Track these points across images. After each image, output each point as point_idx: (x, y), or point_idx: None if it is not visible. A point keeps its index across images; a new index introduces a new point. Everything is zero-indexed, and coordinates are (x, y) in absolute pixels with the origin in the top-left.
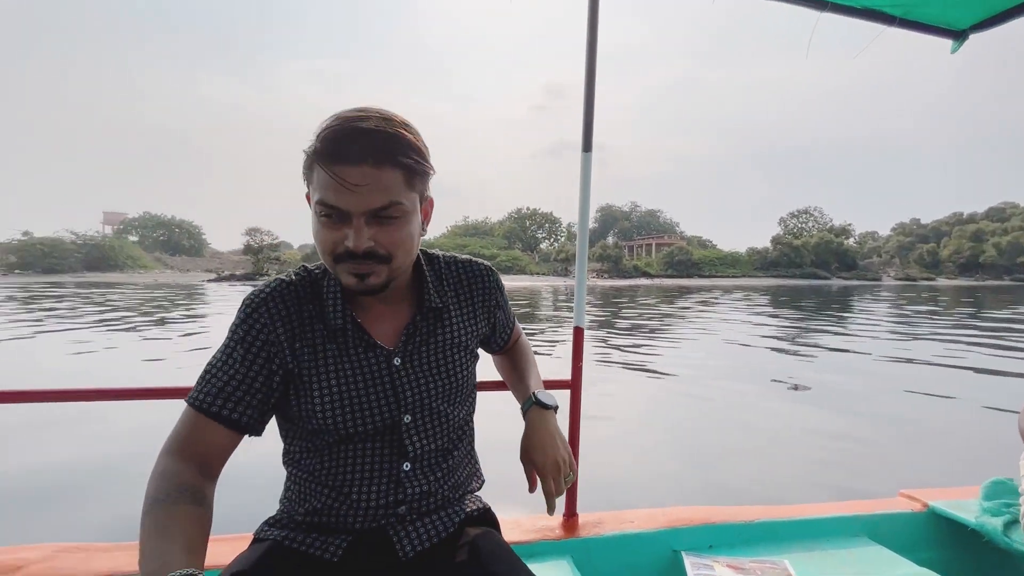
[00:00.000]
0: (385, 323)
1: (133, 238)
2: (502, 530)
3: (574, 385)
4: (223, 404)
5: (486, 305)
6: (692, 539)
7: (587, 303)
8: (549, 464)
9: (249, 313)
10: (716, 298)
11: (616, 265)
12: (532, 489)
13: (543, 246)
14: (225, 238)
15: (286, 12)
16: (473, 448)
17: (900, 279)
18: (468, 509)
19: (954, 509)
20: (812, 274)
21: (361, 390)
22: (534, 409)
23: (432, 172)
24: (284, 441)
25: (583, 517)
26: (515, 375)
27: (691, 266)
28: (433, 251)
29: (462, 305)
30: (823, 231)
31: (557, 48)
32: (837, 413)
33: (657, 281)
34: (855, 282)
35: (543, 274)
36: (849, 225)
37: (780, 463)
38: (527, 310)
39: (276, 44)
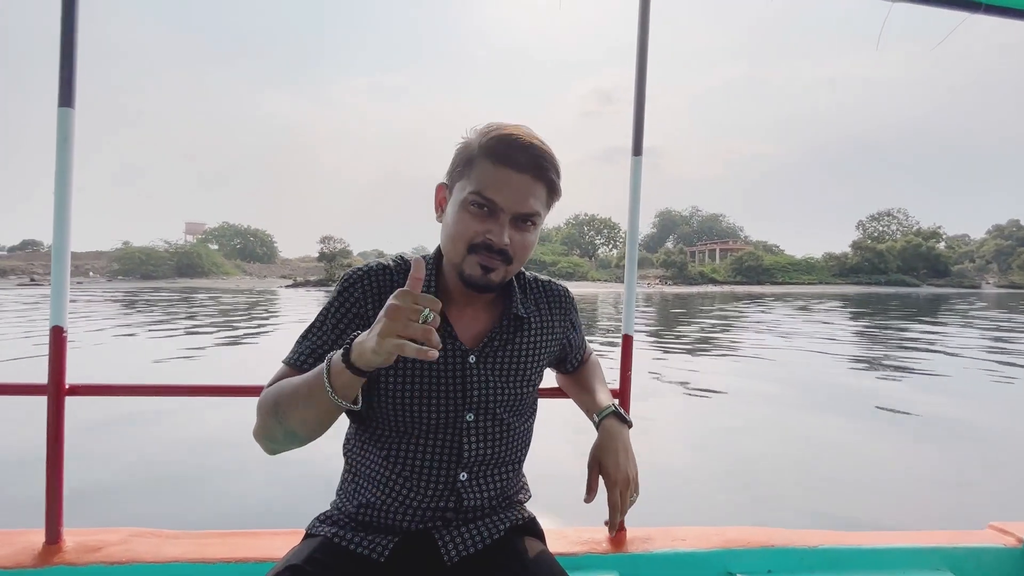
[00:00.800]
0: (467, 321)
1: (213, 246)
2: (546, 541)
3: (622, 394)
4: (315, 363)
5: (563, 324)
6: (749, 562)
7: (652, 310)
8: (620, 477)
9: (345, 287)
10: (804, 306)
11: (681, 271)
12: (590, 498)
13: (600, 252)
14: (291, 246)
15: (345, 31)
16: (523, 462)
17: (1004, 286)
18: (514, 518)
19: None
20: (899, 281)
21: (432, 381)
22: (612, 420)
23: (560, 194)
24: (348, 427)
25: (631, 532)
26: (586, 387)
27: (762, 272)
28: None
29: (542, 320)
30: (908, 235)
31: (608, 52)
32: (925, 436)
33: (726, 288)
34: (948, 290)
35: (603, 280)
36: (939, 228)
37: (855, 487)
38: (587, 316)
39: (334, 61)
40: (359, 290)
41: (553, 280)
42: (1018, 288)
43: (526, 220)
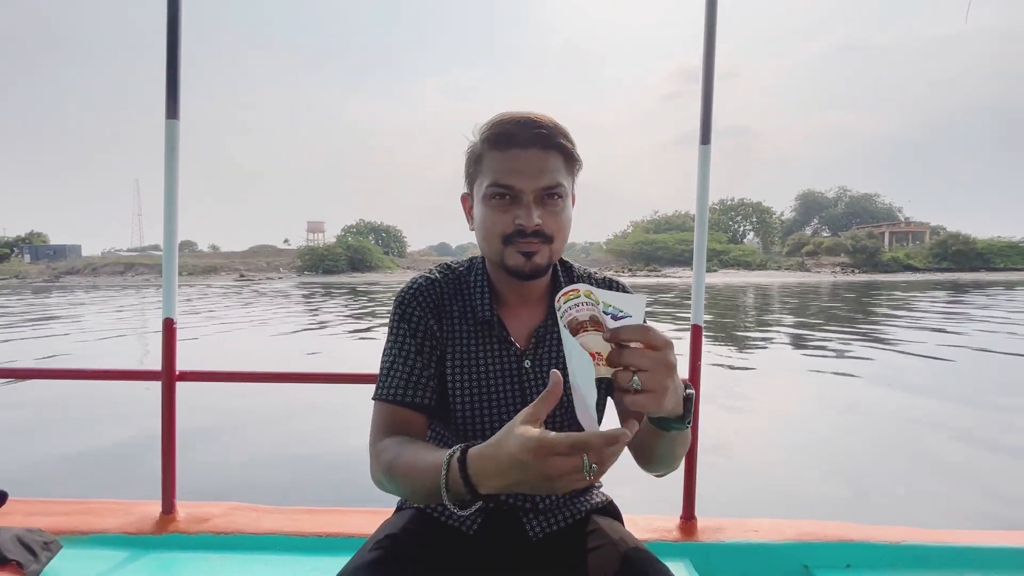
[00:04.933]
0: (520, 321)
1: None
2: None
3: (692, 384)
4: (413, 392)
5: None
6: (826, 556)
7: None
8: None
9: (406, 308)
10: None
11: (871, 258)
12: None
13: (747, 239)
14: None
15: (421, 30)
16: None
17: None
18: (594, 500)
19: None
20: None
21: (492, 390)
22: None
23: (580, 162)
24: (428, 429)
25: (702, 521)
26: None
27: (975, 257)
28: (570, 261)
29: None
30: None
31: (687, 28)
32: None
33: (930, 276)
34: None
35: (784, 268)
36: None
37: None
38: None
39: (414, 63)
40: (418, 308)
41: (615, 278)
42: None
43: (551, 194)
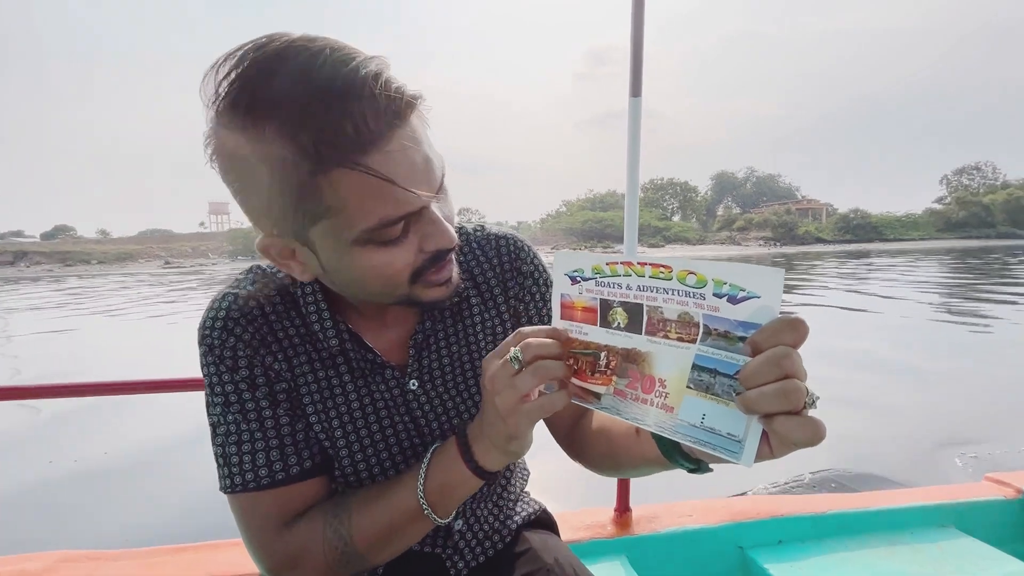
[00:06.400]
0: (387, 331)
1: None
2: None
3: None
4: (297, 458)
5: (519, 293)
6: (758, 534)
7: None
8: None
9: (224, 349)
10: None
11: (789, 232)
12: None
13: (675, 217)
14: None
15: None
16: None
17: None
18: (523, 513)
19: None
20: (1009, 234)
21: (376, 430)
22: None
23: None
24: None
25: (637, 511)
26: None
27: (871, 230)
28: None
29: (481, 292)
30: (994, 188)
31: (598, 10)
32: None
33: (838, 247)
34: None
35: (715, 243)
36: None
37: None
38: None
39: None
40: (243, 344)
41: (492, 229)
42: None
43: (442, 185)
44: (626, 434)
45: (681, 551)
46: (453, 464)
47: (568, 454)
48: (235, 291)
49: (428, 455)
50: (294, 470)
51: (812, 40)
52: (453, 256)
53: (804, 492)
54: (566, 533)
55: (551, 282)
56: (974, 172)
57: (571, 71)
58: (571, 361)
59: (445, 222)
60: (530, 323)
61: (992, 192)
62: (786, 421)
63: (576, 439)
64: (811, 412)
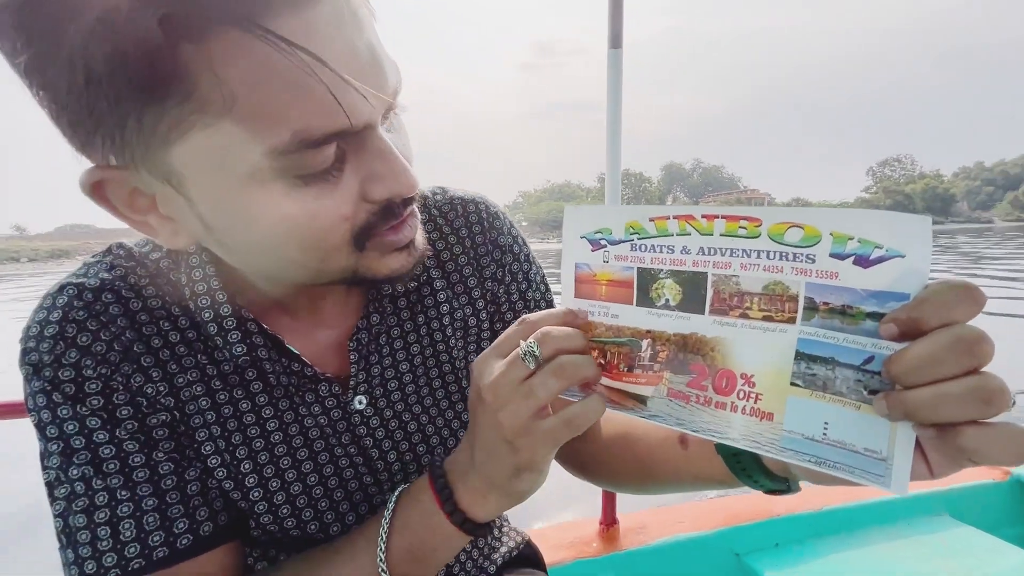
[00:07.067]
0: (320, 329)
1: None
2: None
3: None
4: (163, 536)
5: (497, 273)
6: (754, 538)
7: None
8: None
9: (56, 365)
10: None
11: None
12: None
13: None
14: None
15: None
16: None
17: (1011, 220)
18: (504, 548)
19: None
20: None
21: (307, 474)
22: None
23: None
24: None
25: (624, 522)
26: None
27: None
28: None
29: (447, 272)
30: (913, 179)
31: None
32: None
33: None
34: (964, 225)
35: None
36: (939, 171)
37: None
38: None
39: None
40: (96, 357)
41: (463, 195)
42: None
43: (394, 99)
44: (662, 443)
45: (674, 564)
46: (427, 516)
47: (568, 469)
48: (80, 280)
49: (390, 504)
50: (183, 541)
51: (743, 37)
52: (415, 209)
53: None
54: (549, 554)
55: (533, 258)
56: (895, 164)
57: (516, 61)
58: (595, 354)
59: (402, 157)
60: (513, 312)
61: (911, 182)
62: (981, 434)
63: (581, 449)
64: (1004, 416)
